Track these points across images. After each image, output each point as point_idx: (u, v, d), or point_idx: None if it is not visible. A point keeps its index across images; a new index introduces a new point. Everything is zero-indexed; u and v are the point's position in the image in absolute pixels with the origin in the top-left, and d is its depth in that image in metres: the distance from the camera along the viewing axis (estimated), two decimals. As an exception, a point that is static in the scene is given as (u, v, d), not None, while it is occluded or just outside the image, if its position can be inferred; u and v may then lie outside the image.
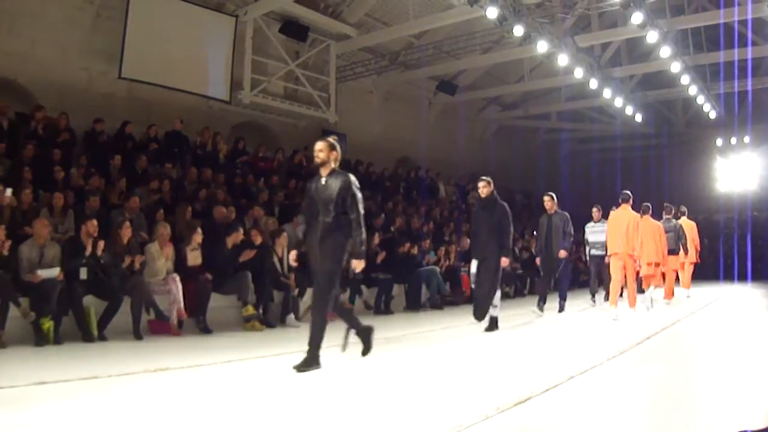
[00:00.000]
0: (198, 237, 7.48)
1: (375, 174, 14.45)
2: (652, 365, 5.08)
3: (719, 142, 20.03)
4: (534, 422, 3.29)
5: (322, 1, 12.93)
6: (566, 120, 19.75)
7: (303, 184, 9.54)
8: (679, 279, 11.32)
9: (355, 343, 5.02)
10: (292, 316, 7.89)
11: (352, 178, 4.77)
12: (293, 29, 12.90)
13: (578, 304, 10.35)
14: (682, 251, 10.66)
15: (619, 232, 8.39)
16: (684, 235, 10.76)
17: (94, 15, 10.73)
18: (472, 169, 16.80)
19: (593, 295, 10.62)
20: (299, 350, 4.48)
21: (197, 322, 7.10)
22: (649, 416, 3.39)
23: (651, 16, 11.42)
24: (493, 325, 7.00)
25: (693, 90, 15.51)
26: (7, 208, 6.96)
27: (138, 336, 6.48)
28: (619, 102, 15.92)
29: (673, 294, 10.84)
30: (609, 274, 10.28)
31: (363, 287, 9.49)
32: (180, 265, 7.31)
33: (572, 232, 9.13)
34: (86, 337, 6.18)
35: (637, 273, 9.05)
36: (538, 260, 9.42)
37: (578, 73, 13.62)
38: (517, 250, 13.89)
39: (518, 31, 11.35)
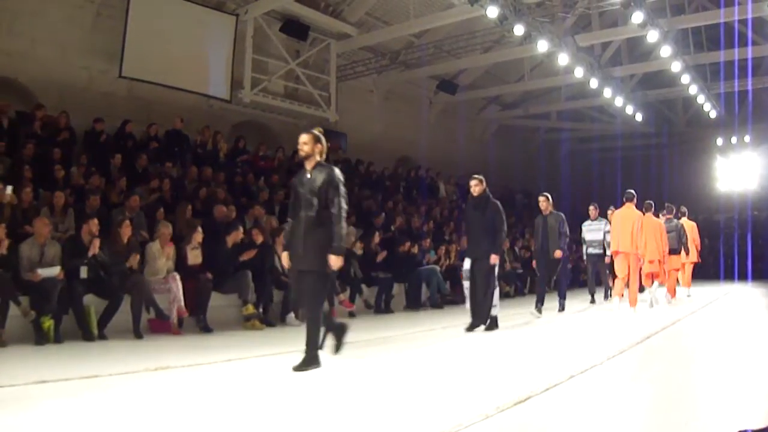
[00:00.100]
0: (198, 236, 7.49)
1: (375, 173, 14.45)
2: (652, 365, 5.08)
3: (719, 141, 20.01)
4: (534, 422, 3.29)
5: (323, 0, 12.94)
6: (566, 119, 19.71)
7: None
8: (679, 279, 11.33)
9: (351, 343, 4.96)
10: (292, 315, 7.89)
11: (337, 171, 4.64)
12: (294, 28, 12.91)
13: (578, 303, 10.34)
14: (683, 251, 10.67)
15: (624, 230, 8.39)
16: (686, 235, 10.77)
17: (95, 14, 10.73)
18: (473, 168, 16.59)
19: (592, 295, 10.63)
20: (299, 349, 4.48)
21: (197, 321, 7.11)
22: (649, 416, 3.39)
23: (651, 16, 11.43)
24: (493, 324, 6.99)
25: (693, 89, 15.51)
26: (7, 207, 6.96)
27: (138, 335, 6.48)
28: (619, 101, 15.91)
29: (675, 293, 10.84)
30: (607, 272, 10.27)
31: (363, 286, 9.50)
32: (180, 264, 7.32)
33: (568, 232, 9.11)
34: (86, 336, 6.18)
35: (640, 270, 9.05)
36: (534, 262, 9.39)
37: (578, 72, 13.63)
38: (517, 249, 13.90)
39: (518, 30, 11.36)
